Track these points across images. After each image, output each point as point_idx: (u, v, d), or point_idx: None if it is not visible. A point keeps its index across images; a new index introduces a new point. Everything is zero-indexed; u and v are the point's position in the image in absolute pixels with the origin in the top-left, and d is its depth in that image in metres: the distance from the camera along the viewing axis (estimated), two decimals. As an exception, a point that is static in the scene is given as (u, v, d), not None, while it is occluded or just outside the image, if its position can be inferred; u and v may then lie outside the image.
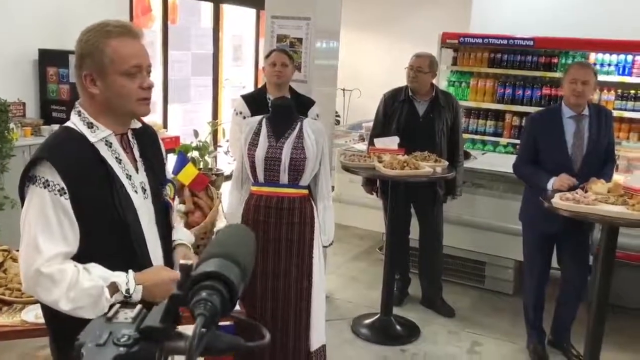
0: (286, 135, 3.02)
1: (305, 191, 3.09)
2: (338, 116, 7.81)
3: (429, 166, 3.72)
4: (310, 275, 3.09)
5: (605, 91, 5.64)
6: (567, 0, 6.26)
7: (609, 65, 5.65)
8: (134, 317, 0.76)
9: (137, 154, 1.76)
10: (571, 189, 3.24)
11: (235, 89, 8.18)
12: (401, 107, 4.15)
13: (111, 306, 0.83)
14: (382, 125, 4.22)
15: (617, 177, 3.55)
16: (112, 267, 1.62)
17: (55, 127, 4.50)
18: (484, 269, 4.75)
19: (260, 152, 3.00)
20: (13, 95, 4.94)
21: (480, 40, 5.98)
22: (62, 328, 1.62)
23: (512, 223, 4.10)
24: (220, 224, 3.02)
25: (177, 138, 5.91)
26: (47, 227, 1.56)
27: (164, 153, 1.92)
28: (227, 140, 4.27)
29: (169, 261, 1.82)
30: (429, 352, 3.82)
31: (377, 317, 4.07)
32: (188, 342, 0.70)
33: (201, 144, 4.40)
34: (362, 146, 5.18)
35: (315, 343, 3.14)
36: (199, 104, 8.01)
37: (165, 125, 6.75)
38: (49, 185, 1.56)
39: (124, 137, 1.73)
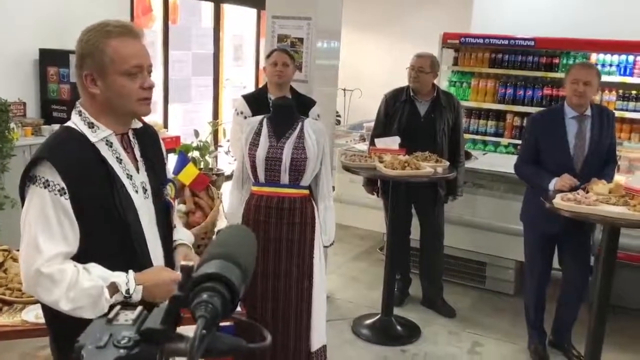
0: (287, 135, 3.01)
1: (306, 191, 3.08)
2: (339, 116, 7.80)
3: (430, 166, 3.72)
4: (311, 276, 3.09)
5: (606, 92, 5.64)
6: (568, 0, 6.25)
7: (610, 65, 5.64)
8: (135, 319, 0.76)
9: (137, 153, 1.76)
10: (572, 189, 3.23)
11: (236, 88, 8.18)
12: (402, 107, 4.14)
13: (111, 308, 0.83)
14: (383, 125, 4.22)
15: (619, 178, 3.55)
16: (113, 267, 1.62)
17: (56, 127, 4.48)
18: (485, 269, 4.75)
19: (261, 152, 2.99)
20: (14, 95, 4.94)
21: (481, 41, 5.98)
22: (63, 328, 1.62)
23: (513, 223, 4.10)
24: (221, 224, 3.02)
25: (177, 138, 5.91)
26: (47, 227, 1.56)
27: (164, 153, 1.92)
28: (228, 140, 4.27)
29: (169, 261, 1.82)
30: (429, 353, 3.81)
31: (377, 317, 4.07)
32: (189, 344, 0.70)
33: (202, 144, 4.38)
34: (363, 146, 5.18)
35: (315, 343, 3.13)
36: (200, 103, 8.01)
37: (165, 125, 6.75)
38: (49, 185, 1.56)
39: (125, 137, 1.73)
